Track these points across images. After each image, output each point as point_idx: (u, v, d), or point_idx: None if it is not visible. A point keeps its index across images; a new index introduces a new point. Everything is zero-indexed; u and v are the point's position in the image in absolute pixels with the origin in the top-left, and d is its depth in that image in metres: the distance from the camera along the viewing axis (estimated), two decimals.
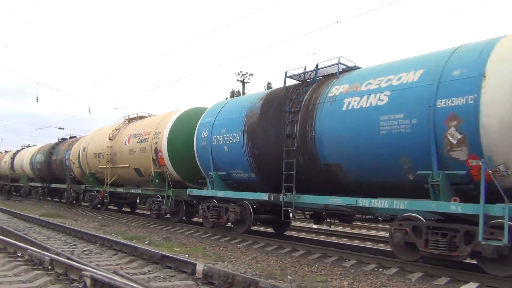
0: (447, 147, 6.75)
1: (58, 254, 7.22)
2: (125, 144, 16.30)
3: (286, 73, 10.28)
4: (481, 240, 6.23)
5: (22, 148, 33.28)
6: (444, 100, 6.76)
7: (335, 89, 8.79)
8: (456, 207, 6.62)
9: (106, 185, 17.67)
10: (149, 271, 6.82)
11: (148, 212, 16.04)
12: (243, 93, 35.88)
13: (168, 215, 14.65)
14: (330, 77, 9.47)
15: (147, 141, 14.93)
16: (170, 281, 6.19)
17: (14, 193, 33.00)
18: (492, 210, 6.20)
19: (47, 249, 7.81)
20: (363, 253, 8.86)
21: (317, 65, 9.67)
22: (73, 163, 21.30)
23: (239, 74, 37.22)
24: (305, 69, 9.95)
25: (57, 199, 26.77)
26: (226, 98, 26.51)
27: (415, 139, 7.13)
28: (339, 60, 9.25)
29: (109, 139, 17.49)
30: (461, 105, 6.54)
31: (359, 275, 7.16)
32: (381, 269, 7.65)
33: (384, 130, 7.54)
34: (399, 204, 7.48)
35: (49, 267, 6.36)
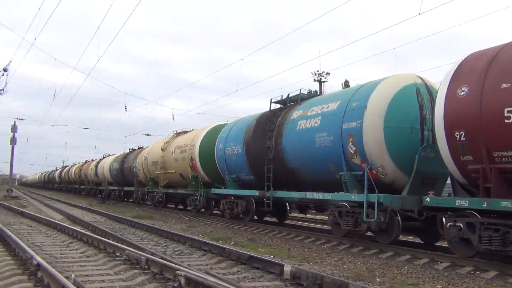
0: (349, 156, 9.83)
1: (153, 254, 7.47)
2: (172, 154, 20.56)
3: (271, 99, 13.70)
4: (364, 218, 9.25)
5: (104, 157, 39.47)
6: (346, 123, 9.85)
7: (295, 114, 12.07)
8: (355, 196, 9.68)
9: (160, 187, 22.10)
10: (237, 271, 6.91)
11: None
12: (321, 93, 33.00)
13: (202, 210, 18.58)
14: (295, 103, 12.75)
15: (186, 152, 19.00)
16: (259, 281, 6.23)
17: (99, 196, 39.12)
18: (370, 198, 9.20)
19: (143, 249, 8.06)
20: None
21: (288, 94, 13.00)
22: (139, 169, 26.15)
23: (315, 73, 36.73)
24: (282, 97, 13.33)
25: (131, 200, 32.01)
26: None
27: (333, 150, 10.26)
28: (300, 92, 12.53)
29: (161, 150, 21.89)
30: (354, 127, 9.61)
31: (454, 278, 6.86)
32: (478, 272, 7.20)
33: (318, 144, 10.73)
34: (327, 196, 10.67)
35: (145, 267, 6.55)
